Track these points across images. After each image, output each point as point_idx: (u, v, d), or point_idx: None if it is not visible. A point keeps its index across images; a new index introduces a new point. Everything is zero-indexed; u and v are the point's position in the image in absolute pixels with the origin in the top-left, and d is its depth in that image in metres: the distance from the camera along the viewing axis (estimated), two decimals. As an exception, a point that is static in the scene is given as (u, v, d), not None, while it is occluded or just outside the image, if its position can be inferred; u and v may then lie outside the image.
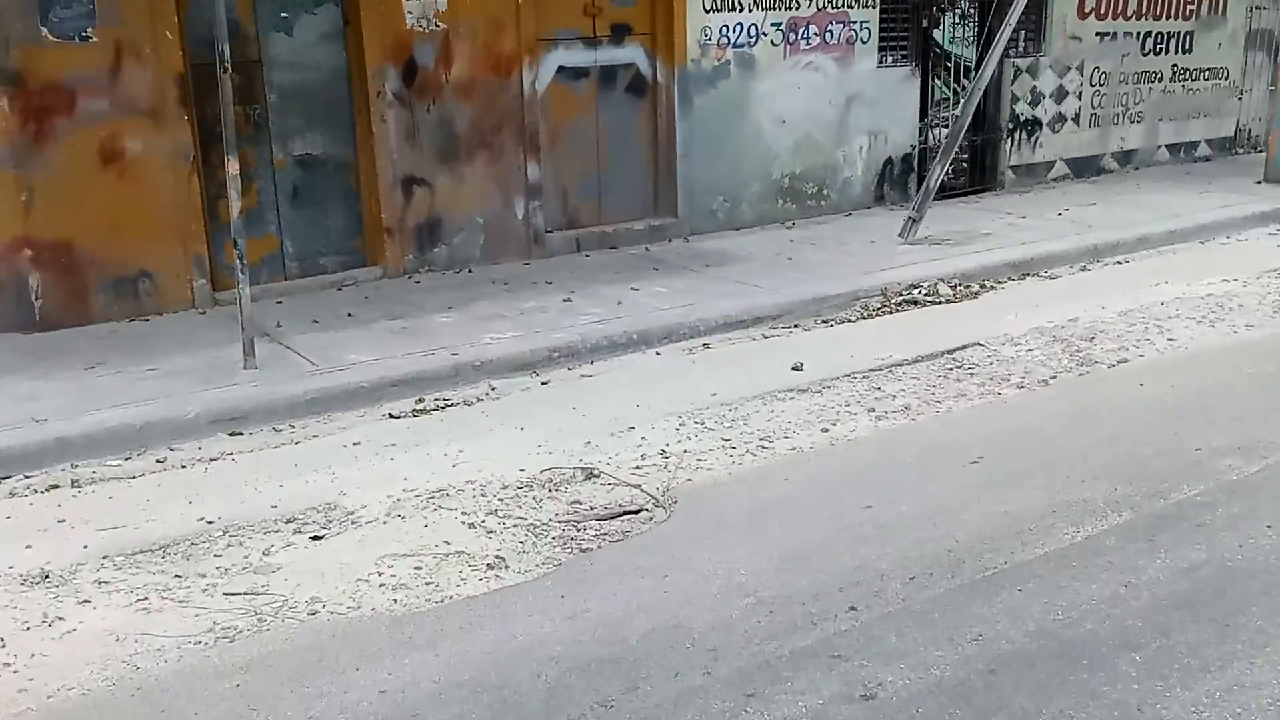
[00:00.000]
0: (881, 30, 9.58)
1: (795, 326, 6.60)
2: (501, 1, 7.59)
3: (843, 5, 9.27)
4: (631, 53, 8.51)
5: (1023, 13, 10.43)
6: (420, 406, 5.38)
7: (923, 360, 5.74)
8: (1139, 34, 11.40)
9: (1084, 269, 7.81)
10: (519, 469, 4.42)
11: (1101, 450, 4.35)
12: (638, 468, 4.42)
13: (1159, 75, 11.71)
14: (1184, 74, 11.93)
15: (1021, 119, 10.65)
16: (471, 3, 7.46)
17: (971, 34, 10.50)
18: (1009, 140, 10.60)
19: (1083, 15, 10.86)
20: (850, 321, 6.68)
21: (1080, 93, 11.05)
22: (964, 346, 5.92)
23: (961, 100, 9.00)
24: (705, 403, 5.18)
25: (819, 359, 5.79)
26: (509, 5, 7.63)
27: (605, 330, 6.19)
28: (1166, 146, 11.98)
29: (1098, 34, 11.03)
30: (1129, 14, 11.24)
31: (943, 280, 7.28)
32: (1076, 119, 11.09)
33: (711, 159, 8.80)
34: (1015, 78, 10.50)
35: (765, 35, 8.92)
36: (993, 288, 7.32)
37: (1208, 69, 12.16)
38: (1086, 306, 6.58)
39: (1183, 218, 8.89)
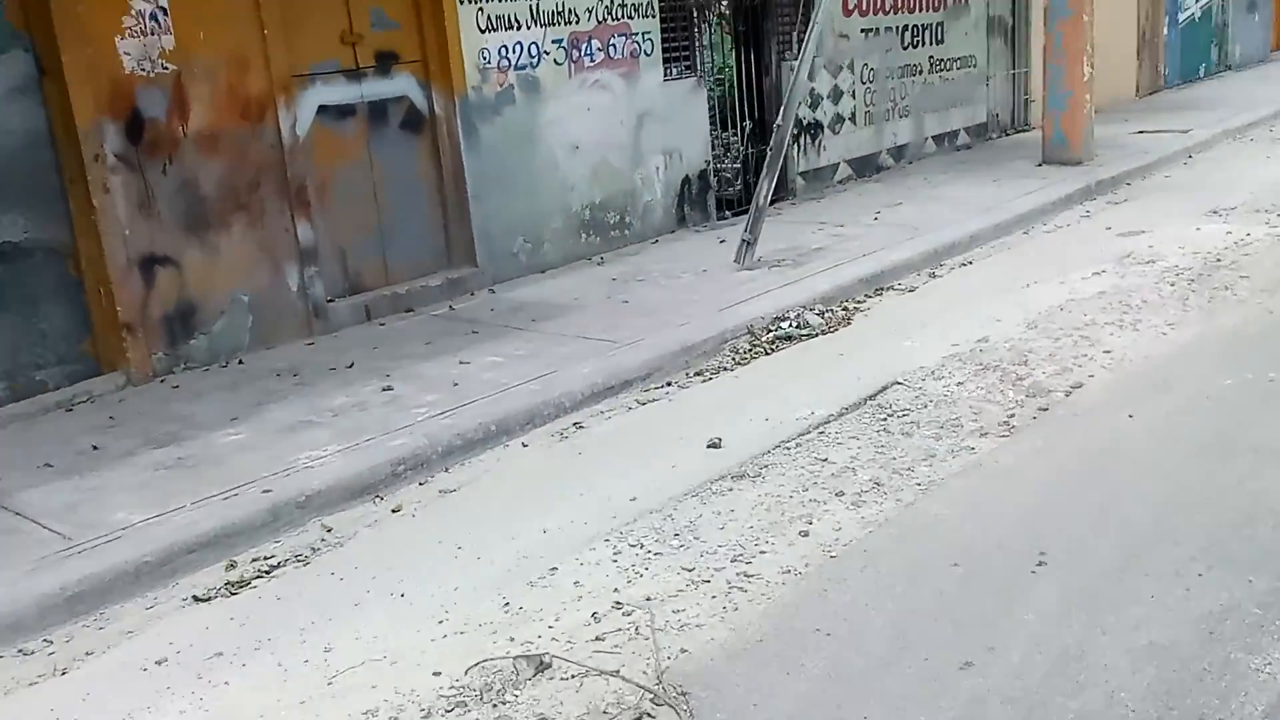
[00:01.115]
0: (664, 41, 8.70)
1: (669, 384, 5.52)
2: (241, 33, 6.07)
3: (623, 16, 8.30)
4: (402, 84, 7.16)
5: (792, 12, 9.90)
6: (235, 576, 3.89)
7: (849, 413, 4.80)
8: (898, 28, 11.15)
9: (933, 275, 7.19)
10: (431, 671, 3.08)
11: (1184, 518, 3.51)
12: (598, 638, 3.18)
13: (919, 68, 11.52)
14: (939, 65, 11.82)
15: (805, 123, 10.08)
16: (205, 37, 5.91)
17: (730, 39, 9.80)
18: (795, 146, 10.00)
19: (847, 12, 10.45)
20: (728, 370, 5.67)
21: (854, 91, 10.64)
22: (883, 389, 5.03)
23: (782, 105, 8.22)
24: (629, 513, 4.00)
25: (729, 428, 4.74)
26: (252, 36, 6.12)
27: (453, 425, 4.86)
28: (932, 138, 11.84)
29: (863, 30, 10.67)
30: (888, 8, 10.96)
31: (805, 308, 6.42)
32: (853, 118, 10.67)
33: (506, 197, 7.59)
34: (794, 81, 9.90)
35: (547, 54, 7.81)
36: (857, 309, 6.54)
37: (959, 58, 12.13)
38: (980, 321, 5.88)
39: (999, 210, 8.51)
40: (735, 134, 9.52)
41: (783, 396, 5.09)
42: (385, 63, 7.03)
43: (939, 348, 5.52)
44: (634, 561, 3.63)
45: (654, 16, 8.55)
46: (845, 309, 6.51)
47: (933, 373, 5.16)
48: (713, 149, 9.21)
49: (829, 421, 4.73)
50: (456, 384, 5.41)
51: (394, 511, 4.29)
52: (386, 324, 6.75)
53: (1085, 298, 6.06)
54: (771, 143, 7.58)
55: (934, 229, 7.99)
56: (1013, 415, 4.54)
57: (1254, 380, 4.52)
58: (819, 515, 3.84)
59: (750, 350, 5.93)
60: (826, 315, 6.37)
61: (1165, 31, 16.67)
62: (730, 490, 4.13)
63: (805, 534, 3.72)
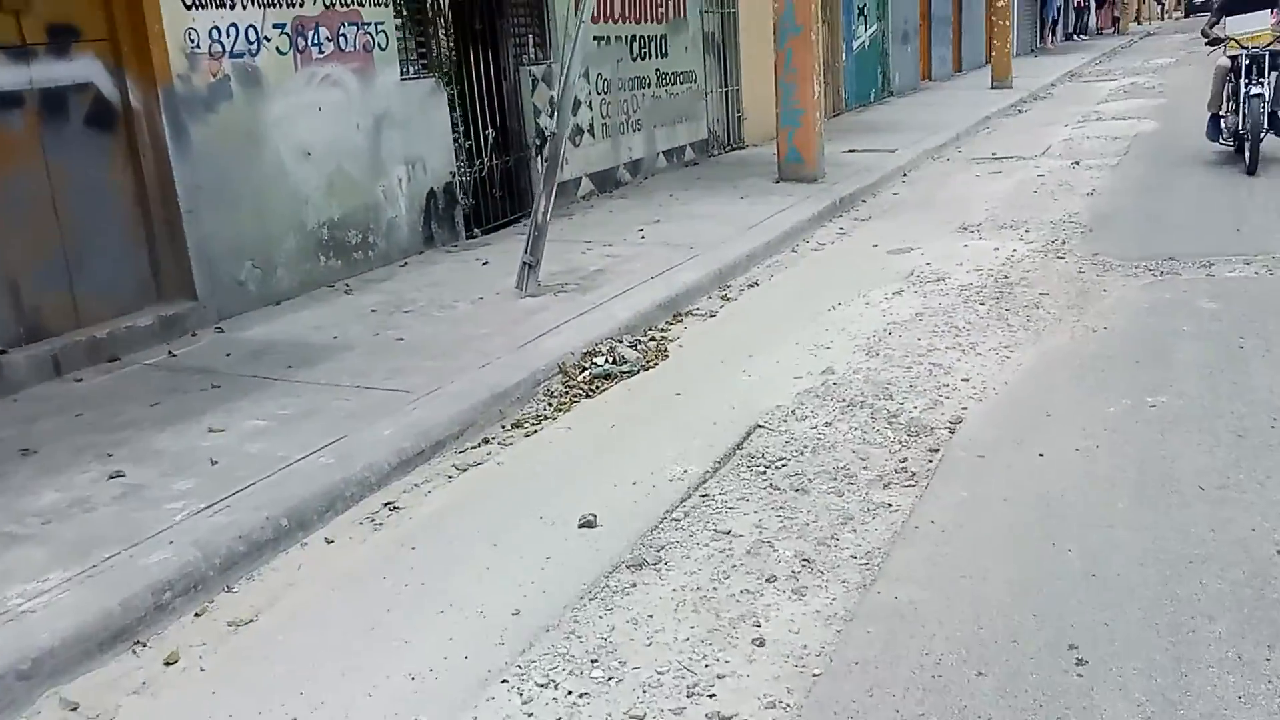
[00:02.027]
0: (399, 34, 7.63)
1: (487, 442, 4.56)
2: None
3: (353, 2, 7.16)
4: (85, 67, 5.69)
5: (527, 13, 9.12)
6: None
7: (723, 467, 4.07)
8: (627, 38, 10.64)
9: (726, 298, 6.64)
10: None
11: (1195, 580, 3.03)
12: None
13: (647, 80, 11.09)
14: (665, 78, 11.46)
15: (547, 133, 9.29)
16: None
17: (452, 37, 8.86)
18: (539, 158, 9.20)
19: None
20: (551, 420, 4.78)
21: (591, 102, 10.00)
22: (747, 435, 4.35)
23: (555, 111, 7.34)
24: (519, 635, 3.04)
25: (593, 498, 3.88)
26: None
27: (229, 524, 3.65)
28: (663, 153, 11.45)
29: (596, 38, 10.05)
30: (617, 17, 10.42)
31: (614, 340, 5.64)
32: (592, 130, 10.04)
33: (228, 212, 6.26)
34: (534, 88, 9.12)
35: (269, 40, 6.54)
36: (665, 338, 5.84)
37: (682, 73, 11.84)
38: (810, 349, 5.36)
39: (764, 227, 8.14)
40: (474, 142, 8.57)
41: (636, 452, 4.28)
42: (61, 39, 5.55)
43: (783, 382, 4.91)
44: (557, 713, 2.68)
45: (387, 5, 7.46)
46: (655, 339, 5.80)
47: (793, 413, 4.53)
48: (460, 160, 8.22)
49: (706, 480, 3.98)
50: (215, 462, 4.15)
51: (168, 665, 3.06)
52: (86, 380, 5.27)
53: (904, 320, 5.69)
54: (547, 152, 6.74)
55: (709, 248, 7.46)
56: (906, 460, 3.98)
57: (1135, 406, 4.24)
58: (763, 613, 3.06)
59: (568, 393, 5.06)
60: (640, 347, 5.62)
61: (844, 57, 17.38)
62: (634, 586, 3.27)
63: (760, 642, 2.93)
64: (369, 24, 7.29)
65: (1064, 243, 7.19)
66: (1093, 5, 46.24)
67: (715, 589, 3.21)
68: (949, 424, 4.26)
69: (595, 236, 8.01)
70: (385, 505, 4.01)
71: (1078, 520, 3.36)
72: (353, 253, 7.19)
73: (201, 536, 3.52)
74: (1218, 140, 9.82)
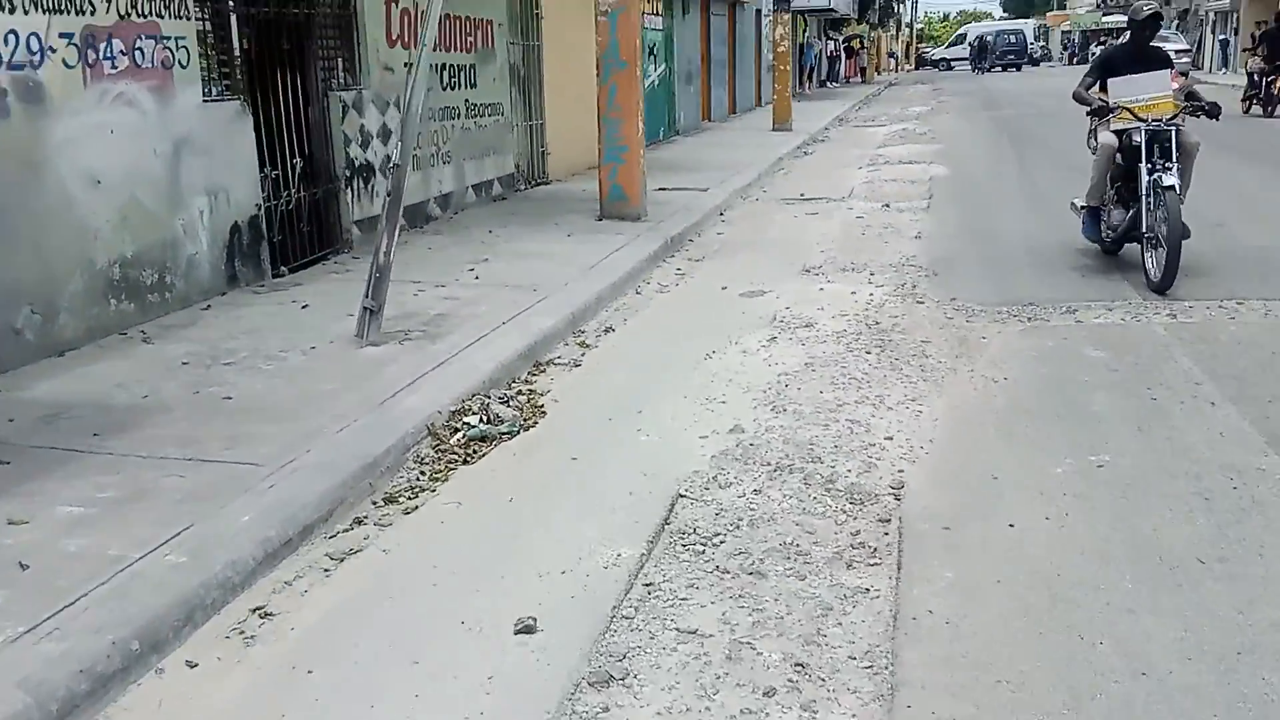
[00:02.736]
0: (202, 51, 6.73)
1: (362, 523, 3.87)
2: None
3: (150, 13, 6.24)
4: None
5: (336, 35, 8.38)
6: None
7: (656, 547, 3.57)
8: (437, 67, 10.00)
9: (585, 345, 6.13)
10: None
11: (1261, 676, 2.75)
12: None
13: (457, 111, 10.47)
14: (474, 110, 10.87)
15: (357, 164, 8.54)
16: None
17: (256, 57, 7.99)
18: (349, 190, 8.42)
19: (391, 42, 9.12)
20: (430, 492, 4.13)
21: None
22: (671, 508, 3.86)
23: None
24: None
25: (515, 595, 3.28)
26: None
27: (65, 654, 2.82)
28: (472, 187, 10.83)
29: (406, 64, 9.33)
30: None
31: (484, 396, 5.03)
32: (403, 162, 9.29)
33: (2, 248, 5.22)
34: (344, 115, 8.34)
35: (54, 51, 5.57)
36: (534, 392, 5.27)
37: (489, 104, 11.28)
38: (705, 404, 4.93)
39: (603, 268, 7.70)
40: (281, 172, 7.70)
41: (551, 532, 3.70)
42: None
43: (690, 443, 4.45)
44: None
45: (189, 18, 6.56)
46: (526, 394, 5.21)
47: (714, 479, 4.07)
48: (267, 192, 7.34)
49: (644, 565, 3.45)
50: (26, 566, 3.27)
51: None
52: None
53: (794, 370, 5.35)
54: (390, 185, 6.02)
55: (554, 290, 6.93)
56: (859, 534, 3.60)
57: (1081, 467, 4.03)
58: (775, 741, 2.57)
59: (443, 460, 4.41)
60: (512, 403, 5.03)
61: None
62: (607, 711, 2.71)
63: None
64: (168, 38, 6.37)
65: (914, 286, 7.11)
66: (842, 55, 48.92)
67: (707, 710, 2.69)
68: (891, 489, 3.91)
69: (423, 276, 7.31)
70: (254, 611, 3.26)
71: (1092, 605, 3.05)
72: (148, 294, 6.21)
73: (33, 673, 2.69)
74: (1099, 241, 7.52)
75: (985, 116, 23.08)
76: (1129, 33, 7.54)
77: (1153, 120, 6.74)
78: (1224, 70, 42.76)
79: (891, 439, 4.36)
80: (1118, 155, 7.02)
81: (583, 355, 5.94)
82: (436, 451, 4.49)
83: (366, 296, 5.74)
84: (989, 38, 55.49)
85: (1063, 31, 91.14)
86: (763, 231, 9.81)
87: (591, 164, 14.36)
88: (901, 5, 68.56)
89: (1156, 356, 5.27)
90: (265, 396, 4.85)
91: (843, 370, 5.26)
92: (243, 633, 3.14)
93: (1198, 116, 6.98)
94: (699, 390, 5.13)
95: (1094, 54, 66.86)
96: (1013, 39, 55.09)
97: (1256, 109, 20.77)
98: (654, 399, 5.05)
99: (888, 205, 10.90)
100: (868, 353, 5.55)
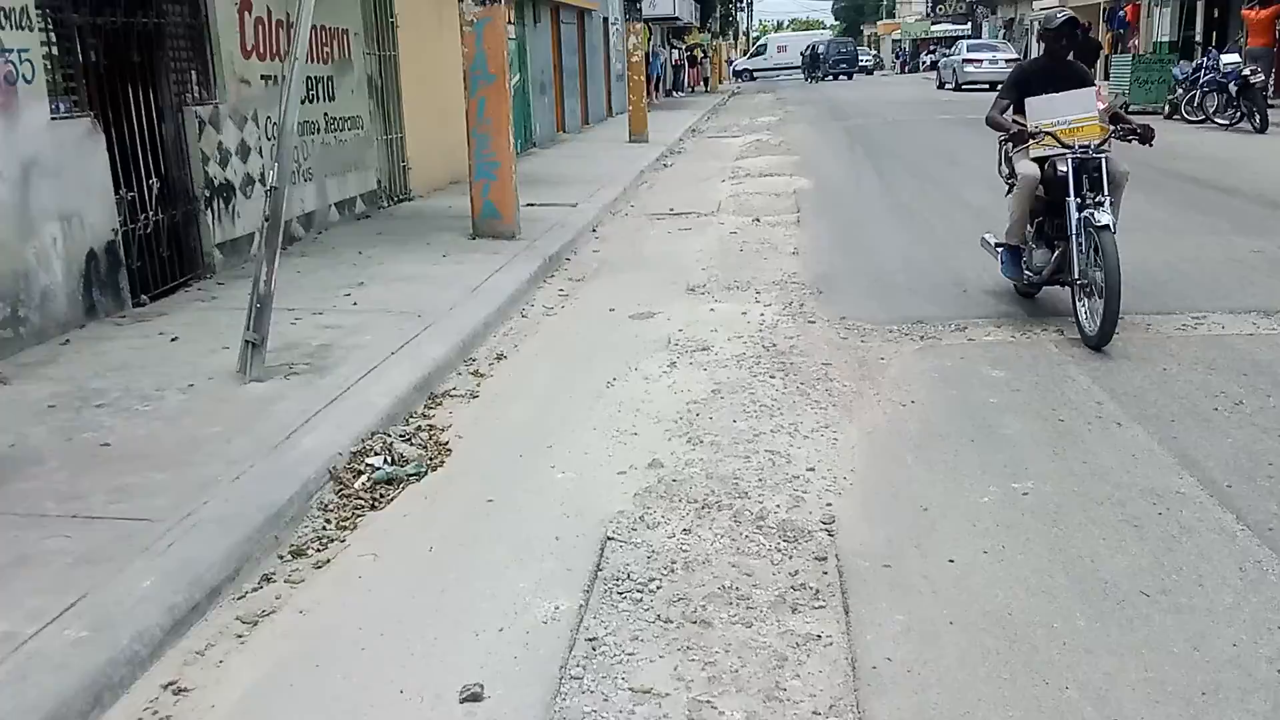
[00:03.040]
0: (49, 65, 6.25)
1: (270, 580, 3.61)
2: None
3: (-10, 19, 5.75)
4: None
5: (188, 46, 7.95)
6: None
7: (592, 597, 3.43)
8: (297, 76, 9.57)
9: (479, 374, 5.94)
10: None
11: (1233, 717, 2.78)
12: None
13: (316, 125, 10.07)
14: (334, 124, 10.48)
15: (217, 184, 8.10)
16: None
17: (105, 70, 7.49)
18: (209, 212, 7.97)
19: (246, 54, 8.69)
20: (339, 543, 3.90)
21: (261, 148, 8.86)
22: (601, 552, 3.73)
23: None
24: None
25: (452, 658, 3.11)
26: None
27: (-49, 753, 2.51)
28: (334, 205, 10.43)
29: (263, 77, 8.96)
30: (283, 54, 9.35)
31: (384, 434, 4.79)
32: (263, 180, 8.87)
33: None
34: (200, 131, 7.90)
35: (-117, 59, 5.05)
36: (434, 428, 5.06)
37: (349, 118, 10.90)
38: (617, 437, 4.82)
39: (486, 290, 7.49)
40: (138, 194, 7.22)
41: (478, 584, 3.53)
42: None
43: (608, 480, 4.33)
44: None
45: (31, 29, 6.08)
46: (427, 430, 4.99)
47: (641, 519, 3.96)
48: (124, 215, 6.87)
49: (583, 618, 3.31)
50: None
51: None
52: None
53: (702, 398, 5.28)
54: (267, 207, 5.69)
55: (439, 315, 6.70)
56: (797, 574, 3.54)
57: (1006, 495, 4.07)
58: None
59: (348, 506, 4.18)
60: (414, 441, 4.80)
61: (495, 105, 17.00)
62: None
63: None
64: (10, 50, 5.88)
65: (802, 305, 7.16)
66: (686, 65, 49.56)
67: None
68: (823, 525, 3.87)
69: (298, 303, 6.96)
70: (167, 688, 2.99)
71: (1049, 647, 3.05)
72: (1, 330, 5.71)
73: (-78, 793, 2.37)
74: (1021, 281, 6.66)
75: (836, 127, 23.66)
76: (1042, 46, 6.93)
77: (1079, 146, 5.89)
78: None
79: (814, 470, 4.33)
80: (1040, 188, 6.19)
81: (479, 385, 5.74)
82: (341, 497, 4.25)
83: (248, 329, 5.41)
84: (821, 48, 58.14)
85: (893, 40, 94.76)
86: (639, 249, 9.76)
87: (454, 179, 14.13)
88: (741, 13, 70.00)
89: (1054, 376, 5.41)
90: (148, 442, 4.50)
91: (751, 397, 5.22)
92: (157, 713, 2.87)
93: (1128, 141, 6.21)
94: (607, 422, 5.01)
95: (925, 62, 69.49)
96: (843, 49, 59.19)
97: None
98: (562, 432, 4.90)
99: (758, 220, 11.00)
100: (772, 377, 5.54)
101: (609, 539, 3.80)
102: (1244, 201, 10.78)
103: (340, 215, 10.48)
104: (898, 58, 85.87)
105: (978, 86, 39.93)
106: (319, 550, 3.84)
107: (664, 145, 19.76)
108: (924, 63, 74.63)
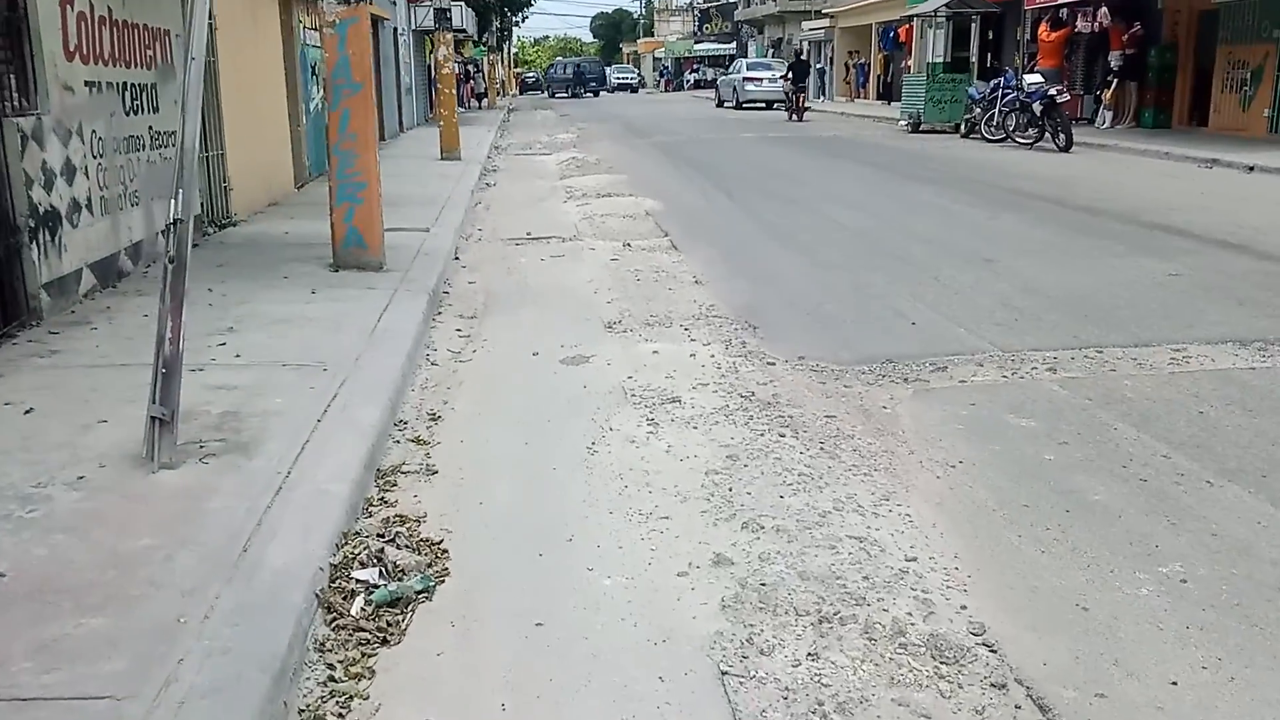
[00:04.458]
0: None
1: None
2: None
3: None
4: None
5: (4, 48, 6.60)
6: None
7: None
8: (119, 86, 8.24)
9: (420, 441, 5.00)
10: None
11: None
12: None
13: (141, 141, 8.71)
14: (158, 139, 9.11)
15: (42, 211, 6.73)
16: None
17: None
18: (34, 245, 6.59)
19: (69, 55, 7.31)
20: (362, 699, 2.96)
21: (87, 168, 7.49)
22: (726, 693, 2.98)
23: None
24: None
25: None
26: None
27: None
28: (162, 233, 9.01)
29: (88, 83, 7.60)
30: (108, 57, 7.99)
31: (364, 537, 3.84)
32: (89, 206, 7.52)
33: None
34: (23, 148, 6.53)
35: None
36: (406, 517, 4.13)
37: (173, 132, 9.49)
38: (646, 522, 4.03)
39: (385, 334, 6.48)
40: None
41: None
42: None
43: (672, 586, 3.55)
44: None
45: None
46: (400, 522, 4.05)
47: (748, 642, 3.20)
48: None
49: (755, 793, 2.55)
50: None
51: None
52: None
53: (719, 467, 4.52)
54: (170, 248, 4.57)
55: (345, 367, 5.69)
56: (984, 712, 2.88)
57: (1164, 585, 3.52)
58: None
59: (353, 644, 3.23)
60: (400, 542, 3.87)
61: (304, 120, 15.68)
62: None
63: None
64: None
65: (744, 344, 6.57)
66: (464, 79, 48.38)
67: None
68: (975, 637, 3.21)
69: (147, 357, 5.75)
70: None
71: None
72: None
73: None
74: None
75: (643, 144, 23.37)
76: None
77: None
78: (822, 98, 46.83)
79: (915, 559, 3.69)
80: None
81: (429, 457, 4.81)
82: (336, 630, 3.30)
83: (153, 401, 4.28)
84: (582, 67, 66.69)
85: (655, 58, 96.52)
86: (519, 279, 8.92)
87: (272, 200, 12.83)
88: (516, 28, 69.32)
89: (1086, 423, 5.01)
90: (57, 566, 3.37)
91: (777, 463, 4.54)
92: None
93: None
94: (620, 501, 4.22)
95: (689, 80, 74.16)
96: (588, 67, 67.57)
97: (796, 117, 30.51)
98: (574, 519, 4.08)
99: (628, 244, 10.36)
100: (781, 436, 4.88)
101: (723, 674, 3.04)
102: (1113, 220, 11.02)
103: (168, 244, 9.07)
104: (661, 75, 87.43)
105: (756, 105, 40.94)
106: (338, 716, 2.89)
107: (478, 163, 18.84)
108: (688, 81, 76.42)
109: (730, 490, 4.27)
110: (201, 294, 7.42)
